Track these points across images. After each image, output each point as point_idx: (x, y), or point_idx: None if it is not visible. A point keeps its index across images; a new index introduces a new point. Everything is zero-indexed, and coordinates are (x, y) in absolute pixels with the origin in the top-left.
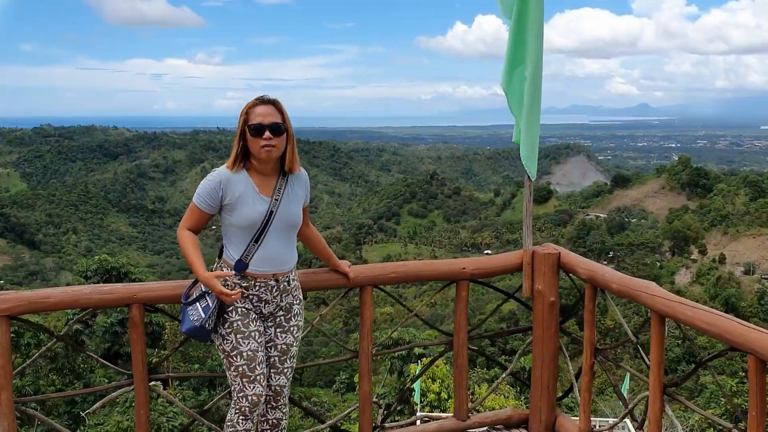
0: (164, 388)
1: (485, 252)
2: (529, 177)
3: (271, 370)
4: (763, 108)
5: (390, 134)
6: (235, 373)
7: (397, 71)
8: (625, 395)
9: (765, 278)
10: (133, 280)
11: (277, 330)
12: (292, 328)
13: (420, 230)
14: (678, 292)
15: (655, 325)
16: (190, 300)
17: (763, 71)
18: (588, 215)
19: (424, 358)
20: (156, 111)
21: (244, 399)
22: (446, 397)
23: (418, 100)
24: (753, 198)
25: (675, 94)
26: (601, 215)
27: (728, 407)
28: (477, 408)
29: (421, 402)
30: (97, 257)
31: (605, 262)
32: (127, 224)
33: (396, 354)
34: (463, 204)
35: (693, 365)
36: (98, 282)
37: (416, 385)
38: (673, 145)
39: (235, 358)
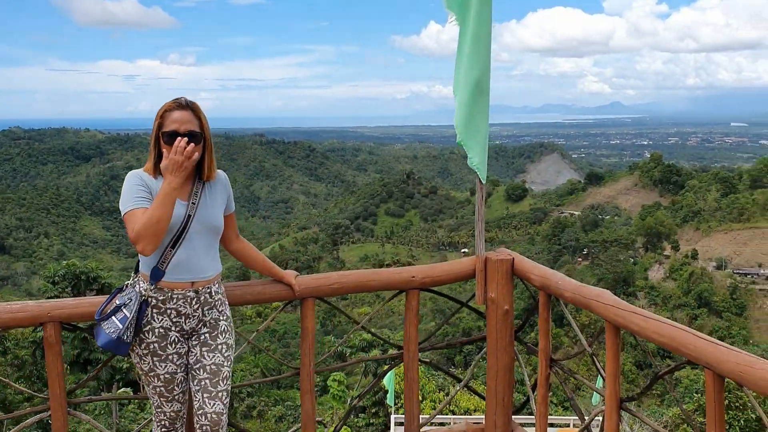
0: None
1: (462, 251)
2: (480, 180)
3: (205, 395)
4: (732, 105)
5: (366, 134)
6: (153, 392)
7: (372, 71)
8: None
9: (737, 273)
10: (103, 285)
11: (203, 349)
12: (220, 347)
13: (397, 230)
14: (652, 288)
15: (610, 336)
16: (104, 315)
17: (733, 69)
18: (563, 213)
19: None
20: (129, 112)
21: (162, 414)
22: (420, 398)
23: (393, 99)
24: (724, 194)
25: (647, 92)
26: (575, 213)
27: (701, 403)
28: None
29: (395, 404)
30: (65, 262)
31: (580, 260)
32: (100, 227)
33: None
34: (439, 203)
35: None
36: (66, 287)
37: (390, 387)
38: (645, 143)
39: (152, 379)
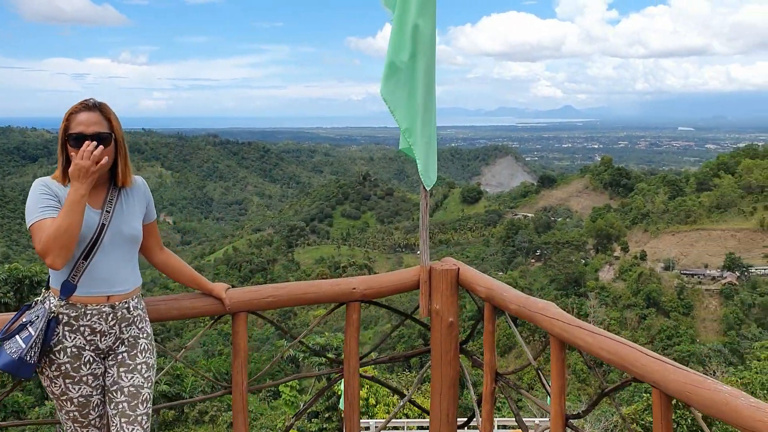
0: None
1: (418, 252)
2: (424, 187)
3: (122, 420)
4: (680, 110)
5: (321, 135)
6: (66, 417)
7: (328, 72)
8: None
9: (684, 273)
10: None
11: (121, 369)
12: (139, 367)
13: (353, 232)
14: (603, 288)
15: (555, 351)
16: (8, 335)
17: (680, 74)
18: (516, 215)
19: None
20: None
21: None
22: (374, 402)
23: (349, 100)
24: (671, 197)
25: (597, 97)
26: (528, 215)
27: (650, 402)
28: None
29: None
30: (7, 266)
31: (533, 261)
32: None
33: (323, 361)
34: (396, 205)
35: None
36: (8, 292)
37: (342, 392)
38: (596, 146)
39: (65, 403)
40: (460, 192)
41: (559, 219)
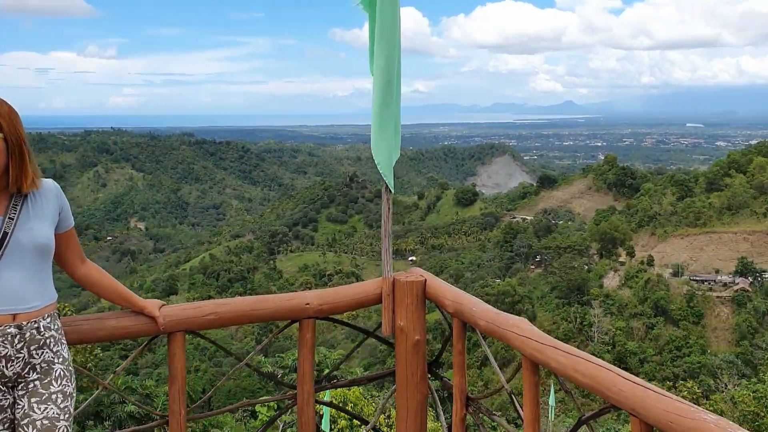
0: None
1: (410, 259)
2: (387, 188)
3: None
4: (688, 104)
5: (305, 133)
6: None
7: (312, 66)
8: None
9: (693, 280)
10: None
11: (32, 400)
12: (54, 396)
13: (339, 237)
14: (607, 296)
15: (527, 372)
16: None
17: (687, 67)
18: (515, 218)
19: None
20: (42, 110)
21: None
22: (358, 423)
23: (334, 96)
24: (680, 197)
25: (600, 91)
26: (527, 218)
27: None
28: None
29: (331, 429)
30: None
31: (533, 267)
32: None
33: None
34: None
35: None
36: None
37: (324, 410)
38: (599, 144)
39: None
40: (454, 193)
41: (561, 222)
